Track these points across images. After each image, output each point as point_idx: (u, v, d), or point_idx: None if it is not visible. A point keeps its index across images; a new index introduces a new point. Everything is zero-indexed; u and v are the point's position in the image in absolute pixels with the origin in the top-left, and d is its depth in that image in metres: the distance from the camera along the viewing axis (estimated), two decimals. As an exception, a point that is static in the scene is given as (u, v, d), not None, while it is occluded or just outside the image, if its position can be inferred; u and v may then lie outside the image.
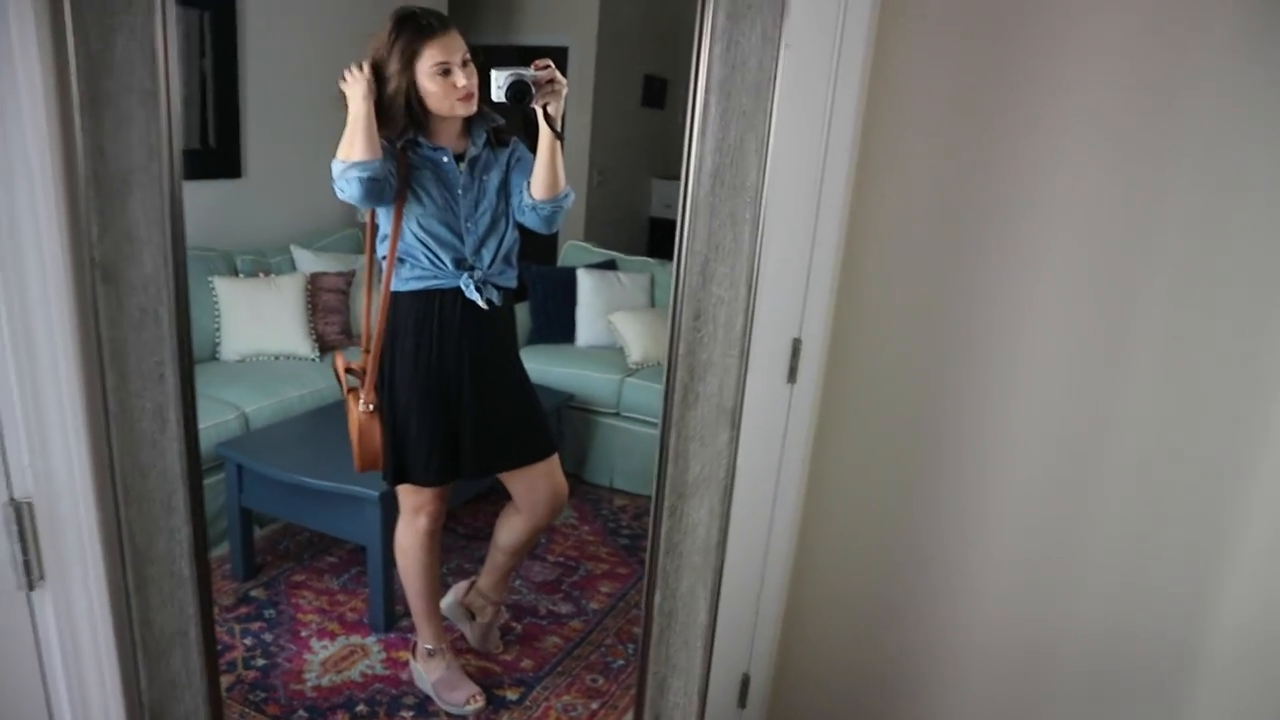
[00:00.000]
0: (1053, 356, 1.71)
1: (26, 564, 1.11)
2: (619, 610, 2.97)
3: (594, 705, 2.53)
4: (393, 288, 1.95)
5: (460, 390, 2.02)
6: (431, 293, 1.96)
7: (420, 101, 1.80)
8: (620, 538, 3.38)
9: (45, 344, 1.05)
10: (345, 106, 1.75)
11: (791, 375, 1.96)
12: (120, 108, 0.97)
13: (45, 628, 1.14)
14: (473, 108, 1.86)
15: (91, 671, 1.19)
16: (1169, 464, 1.59)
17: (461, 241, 1.96)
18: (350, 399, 2.03)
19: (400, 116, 1.78)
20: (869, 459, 2.05)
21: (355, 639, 2.74)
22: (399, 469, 2.07)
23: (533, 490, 2.18)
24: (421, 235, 1.92)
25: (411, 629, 2.53)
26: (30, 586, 1.12)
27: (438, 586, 2.39)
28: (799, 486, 2.14)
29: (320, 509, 2.80)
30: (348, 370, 2.04)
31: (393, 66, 1.75)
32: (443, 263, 1.94)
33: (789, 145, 1.66)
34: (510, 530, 2.26)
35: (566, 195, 1.93)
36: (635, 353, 3.85)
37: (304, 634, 2.75)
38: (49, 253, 1.03)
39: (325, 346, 3.53)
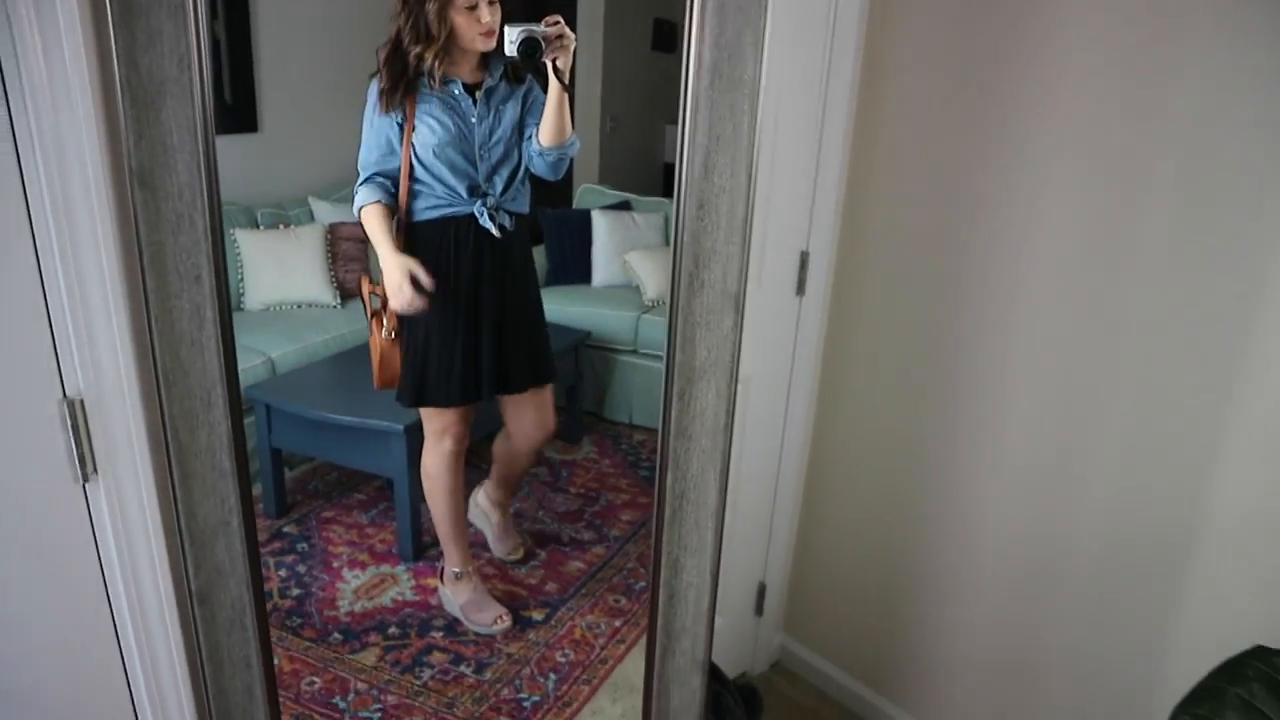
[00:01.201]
0: (1057, 265, 1.75)
1: (80, 458, 1.19)
2: (640, 537, 3.05)
3: (617, 623, 2.62)
4: (411, 219, 2.03)
5: (478, 314, 2.10)
6: (447, 220, 2.03)
7: (449, 33, 1.89)
8: (640, 470, 3.46)
9: (90, 250, 1.12)
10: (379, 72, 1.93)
11: (800, 287, 2.02)
12: (151, 21, 1.03)
13: (100, 518, 1.23)
14: (492, 43, 1.94)
15: (144, 559, 1.27)
16: (1165, 374, 1.63)
17: (475, 169, 2.03)
18: (374, 322, 2.11)
19: (427, 41, 1.87)
20: (879, 371, 2.10)
21: (385, 568, 2.84)
22: (421, 392, 2.16)
23: (521, 417, 2.31)
24: (435, 165, 1.99)
25: (438, 557, 2.62)
26: (85, 479, 1.20)
27: (463, 511, 2.48)
28: (810, 397, 2.20)
29: (347, 445, 2.89)
30: (371, 293, 2.12)
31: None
32: (457, 191, 2.01)
33: (790, 46, 1.71)
34: (503, 452, 2.42)
35: (572, 143, 2.03)
36: (650, 290, 3.91)
37: (335, 565, 2.85)
38: (91, 161, 1.09)
39: (346, 294, 3.61)
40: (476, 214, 2.03)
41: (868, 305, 2.08)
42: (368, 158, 2.05)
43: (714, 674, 1.83)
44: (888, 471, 2.14)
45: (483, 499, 2.66)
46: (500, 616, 2.45)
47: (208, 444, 1.19)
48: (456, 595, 2.47)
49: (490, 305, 2.13)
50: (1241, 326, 1.53)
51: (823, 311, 2.11)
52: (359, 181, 2.07)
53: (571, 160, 2.11)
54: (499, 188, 2.07)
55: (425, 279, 1.97)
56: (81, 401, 1.17)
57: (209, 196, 1.10)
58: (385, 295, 2.10)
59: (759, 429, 2.11)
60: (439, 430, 2.26)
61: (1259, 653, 1.31)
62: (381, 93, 1.98)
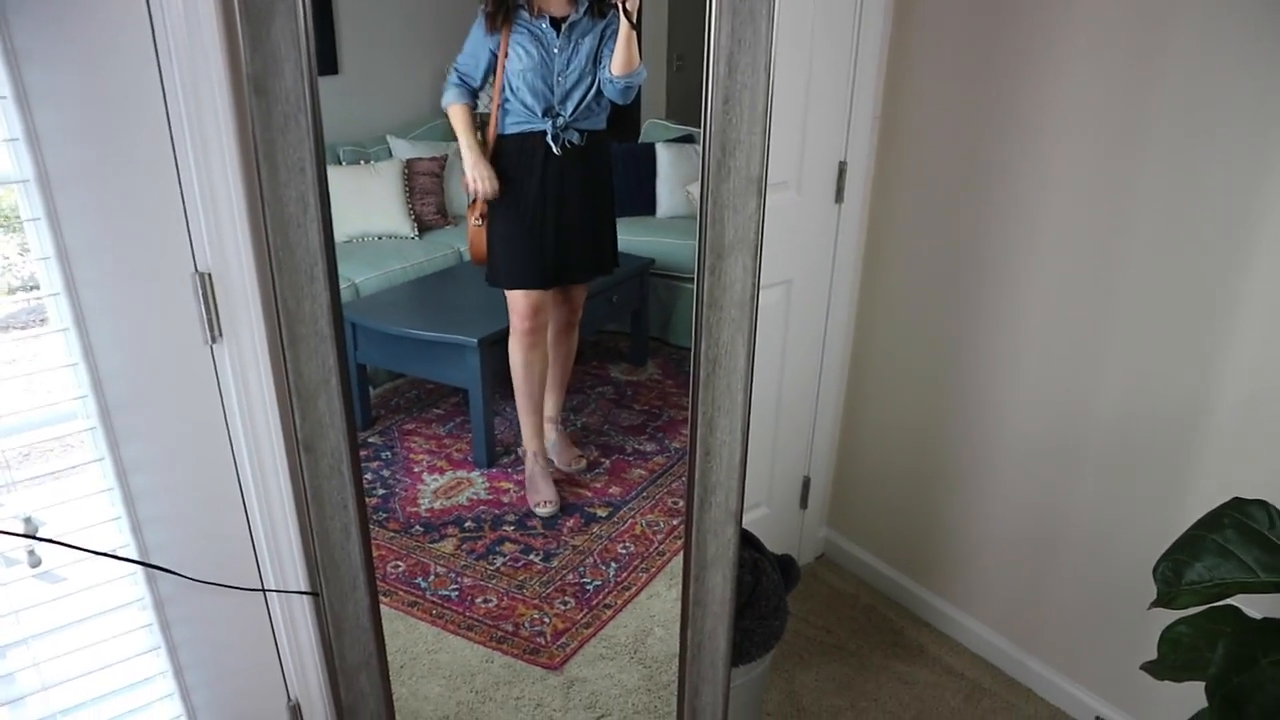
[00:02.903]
0: (1076, 172, 1.86)
1: (209, 323, 1.42)
2: (693, 441, 3.23)
3: (674, 521, 2.81)
4: (498, 131, 2.30)
5: (545, 215, 2.40)
6: (525, 135, 2.32)
7: None
8: (699, 388, 3.62)
9: (215, 146, 1.35)
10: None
11: (839, 196, 2.17)
12: (261, -53, 1.23)
13: (225, 375, 1.47)
14: None
15: (259, 412, 1.51)
16: (1173, 262, 1.74)
17: (552, 93, 2.31)
18: (470, 209, 2.42)
19: None
20: (914, 273, 2.24)
21: (461, 473, 3.07)
22: (498, 275, 2.49)
23: (567, 291, 2.58)
24: (519, 88, 2.28)
25: (511, 464, 2.86)
26: (212, 341, 1.44)
27: (536, 392, 2.76)
28: (851, 300, 2.35)
29: (426, 358, 3.13)
30: (465, 187, 2.42)
31: None
32: (534, 110, 2.30)
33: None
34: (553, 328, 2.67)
35: (638, 73, 2.29)
36: (710, 218, 4.02)
37: (416, 469, 3.09)
38: (215, 71, 1.31)
39: (423, 226, 3.85)
40: (547, 130, 2.29)
41: (903, 211, 2.22)
42: (463, 63, 2.33)
43: (753, 543, 2.02)
44: (923, 368, 2.28)
45: (544, 417, 2.90)
46: (546, 501, 2.72)
47: (311, 312, 1.41)
48: (526, 470, 2.75)
49: (555, 209, 2.41)
50: (1247, 208, 1.63)
51: (861, 218, 2.26)
52: (449, 80, 2.35)
53: (639, 92, 2.36)
54: (570, 109, 2.34)
55: (495, 184, 2.25)
56: (209, 275, 1.40)
57: (310, 99, 1.31)
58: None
59: (802, 331, 2.27)
60: (511, 309, 2.58)
61: (1234, 503, 1.46)
62: (487, 15, 2.25)
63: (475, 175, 2.32)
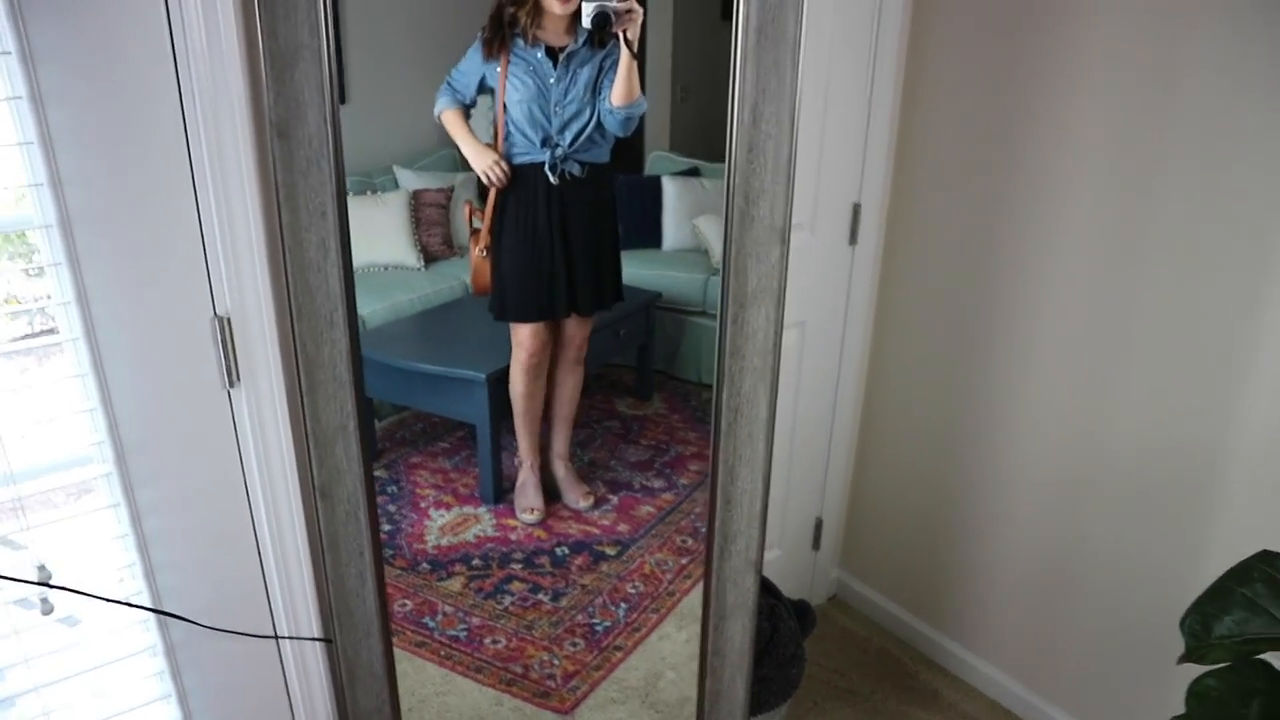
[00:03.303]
0: (1092, 208, 1.85)
1: (227, 368, 1.41)
2: (707, 485, 3.21)
3: (683, 560, 2.79)
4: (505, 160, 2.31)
5: (549, 246, 2.39)
6: (526, 166, 2.31)
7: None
8: (708, 424, 3.60)
9: (237, 190, 1.34)
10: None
11: (853, 237, 2.17)
12: (288, -5, 1.23)
13: (241, 420, 1.45)
14: (570, 7, 2.19)
15: (275, 457, 1.49)
16: (1192, 297, 1.73)
17: (549, 123, 2.29)
18: (472, 240, 2.40)
19: (519, 1, 2.14)
20: (927, 315, 2.23)
21: (468, 509, 3.05)
22: (502, 309, 2.47)
23: (569, 327, 2.58)
24: (517, 118, 2.26)
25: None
26: (230, 386, 1.42)
27: (532, 416, 2.75)
28: (864, 341, 2.35)
29: (433, 392, 3.12)
30: (472, 214, 2.40)
31: None
32: (532, 141, 2.29)
33: (839, 9, 1.85)
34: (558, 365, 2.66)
35: (638, 104, 2.28)
36: (719, 253, 4.03)
37: (423, 505, 3.07)
38: (238, 115, 1.31)
39: (429, 257, 3.85)
40: (544, 161, 2.29)
41: (916, 251, 2.21)
42: (456, 75, 2.32)
43: (769, 589, 2.00)
44: (936, 408, 2.27)
45: (552, 454, 2.89)
46: (532, 509, 2.72)
47: (330, 357, 1.40)
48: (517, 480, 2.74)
49: (557, 241, 2.40)
50: (1269, 241, 1.62)
51: (875, 259, 2.26)
52: (440, 90, 2.34)
53: (642, 122, 2.35)
54: (569, 140, 2.33)
55: (503, 169, 2.25)
56: (229, 319, 1.39)
57: (333, 143, 1.30)
58: (480, 214, 2.38)
59: (815, 372, 2.26)
60: (517, 342, 2.57)
61: (1264, 556, 1.44)
62: (484, 41, 2.26)
63: (483, 166, 2.31)
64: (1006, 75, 1.94)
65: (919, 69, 2.11)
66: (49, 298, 1.30)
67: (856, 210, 2.15)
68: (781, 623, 1.87)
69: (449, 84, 2.34)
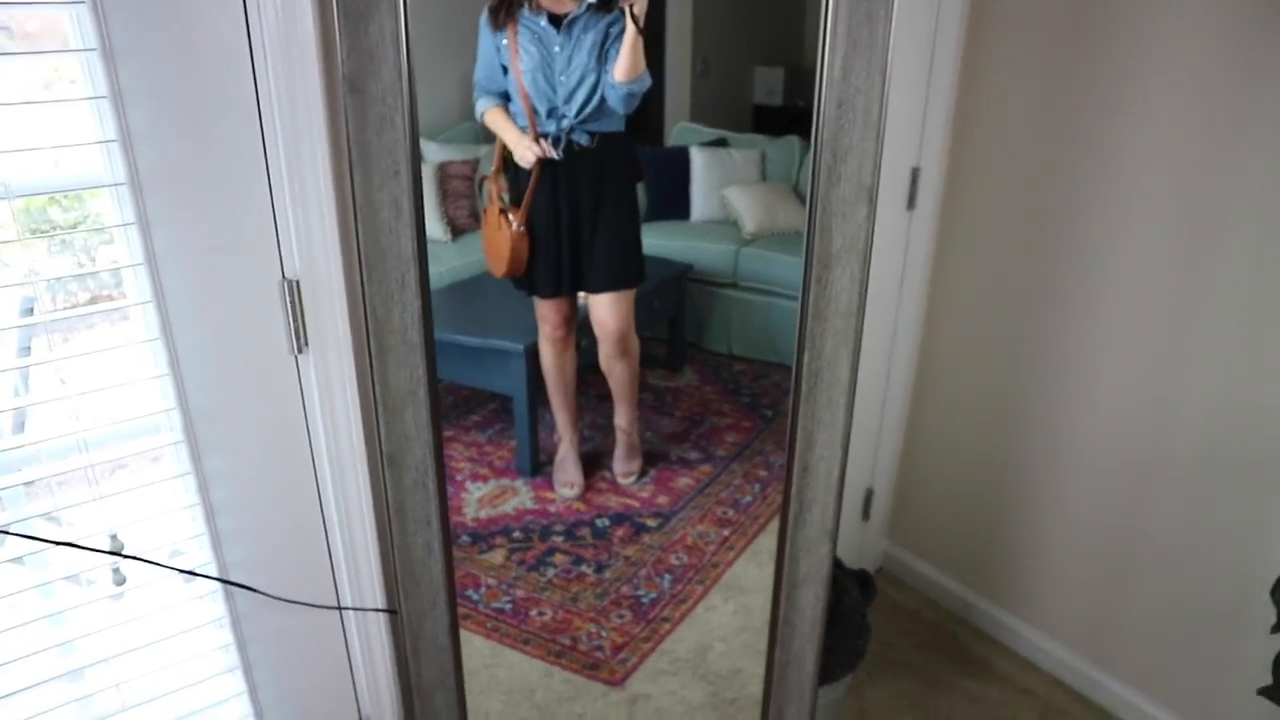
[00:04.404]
0: (1164, 171, 1.80)
1: (295, 332, 1.37)
2: (744, 457, 3.19)
3: (725, 532, 2.76)
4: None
5: (559, 221, 2.34)
6: (539, 136, 2.26)
7: None
8: (741, 396, 3.58)
9: (308, 149, 1.30)
10: None
11: (911, 202, 2.12)
12: (361, -57, 1.19)
13: (309, 385, 1.42)
14: None
15: (343, 424, 1.46)
16: (1268, 265, 1.68)
17: (555, 93, 2.25)
18: (502, 218, 2.34)
19: None
20: (985, 282, 2.18)
21: (505, 481, 3.02)
22: (521, 281, 2.45)
23: (594, 314, 2.54)
24: (528, 86, 2.22)
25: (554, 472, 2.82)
26: (298, 351, 1.39)
27: (565, 389, 2.72)
28: (920, 309, 2.30)
29: (470, 364, 3.08)
30: (500, 193, 2.35)
31: None
32: (540, 111, 2.24)
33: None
34: (601, 359, 2.63)
35: (641, 80, 2.22)
36: (749, 224, 4.01)
37: (459, 478, 3.04)
38: (309, 71, 1.26)
39: (456, 230, 3.81)
40: (550, 133, 2.24)
41: (975, 221, 2.17)
42: (479, 76, 2.28)
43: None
44: (992, 378, 2.23)
45: (614, 423, 2.86)
46: (571, 484, 2.69)
47: (400, 321, 1.36)
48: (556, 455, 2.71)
49: (566, 215, 2.35)
50: None
51: (932, 225, 2.21)
52: (475, 98, 2.30)
53: (662, 93, 2.28)
54: (574, 110, 2.28)
55: (545, 146, 2.19)
56: (297, 282, 1.35)
57: (408, 99, 1.26)
58: (512, 191, 2.33)
59: (869, 340, 2.20)
60: (540, 316, 2.54)
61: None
62: (490, 10, 2.20)
63: (520, 150, 2.25)
64: (1075, 35, 1.88)
65: (982, 30, 2.05)
66: (115, 260, 1.26)
67: (915, 174, 2.11)
68: (846, 593, 1.84)
69: (477, 83, 2.30)
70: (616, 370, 2.72)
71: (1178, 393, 1.87)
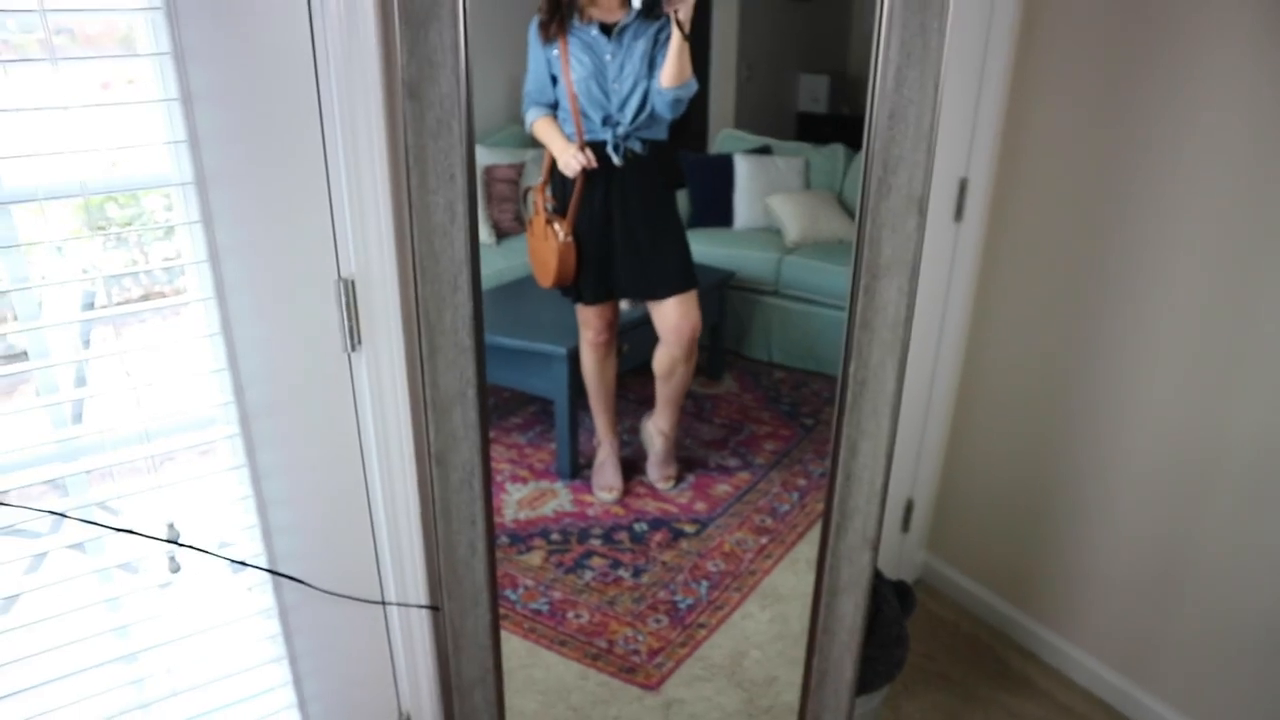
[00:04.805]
0: (1217, 180, 1.78)
1: (350, 330, 1.40)
2: (783, 465, 3.19)
3: (763, 540, 2.76)
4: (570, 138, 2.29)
5: (609, 227, 2.37)
6: (589, 145, 2.29)
7: None
8: (780, 404, 3.58)
9: (366, 151, 1.33)
10: None
11: (959, 213, 2.11)
12: (423, -47, 1.21)
13: (360, 383, 1.45)
14: None
15: (392, 422, 1.49)
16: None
17: (609, 101, 2.28)
18: (548, 227, 2.37)
19: None
20: (1031, 296, 2.17)
21: (544, 484, 3.04)
22: (570, 289, 2.47)
23: (664, 319, 2.56)
24: (580, 96, 2.25)
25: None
26: (351, 349, 1.42)
27: (606, 393, 2.76)
28: (964, 321, 2.29)
29: (514, 367, 3.11)
30: (548, 202, 2.38)
31: None
32: (593, 120, 2.27)
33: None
34: (657, 358, 2.63)
35: (688, 85, 2.25)
36: (793, 232, 4.01)
37: (499, 479, 3.07)
38: (369, 76, 1.29)
39: (501, 233, 3.85)
40: (607, 140, 2.27)
41: (1023, 233, 2.15)
42: (529, 88, 2.32)
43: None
44: (1037, 390, 2.21)
45: (650, 425, 2.88)
46: (610, 487, 2.71)
47: (452, 322, 1.38)
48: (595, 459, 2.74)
49: (620, 221, 2.38)
50: None
51: (979, 237, 2.20)
52: (524, 109, 2.34)
53: (706, 100, 2.31)
54: (628, 117, 2.31)
55: (589, 156, 2.23)
56: (353, 282, 1.38)
57: (465, 105, 1.28)
58: (558, 201, 2.35)
59: (914, 350, 2.20)
60: (582, 322, 2.57)
61: None
62: (541, 24, 2.24)
63: (565, 158, 2.29)
64: (1127, 46, 1.87)
65: (1033, 41, 2.04)
66: (179, 256, 1.30)
67: (963, 185, 2.10)
68: (885, 603, 1.84)
69: (527, 95, 2.33)
70: (679, 373, 2.75)
71: (1228, 408, 1.84)
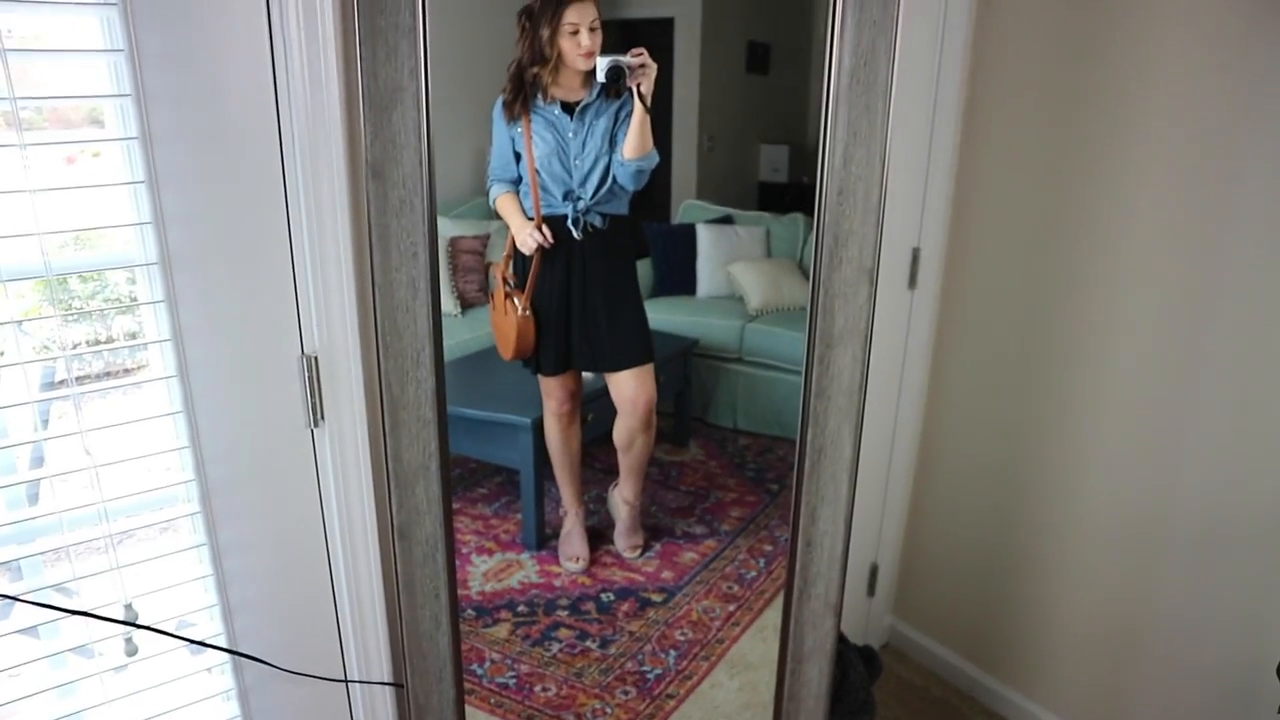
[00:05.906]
0: (1158, 251, 1.84)
1: (313, 406, 1.41)
2: (749, 531, 3.19)
3: (731, 607, 2.76)
4: (529, 215, 2.34)
5: (569, 300, 2.41)
6: (549, 220, 2.35)
7: (558, 55, 2.22)
8: (746, 470, 3.60)
9: (330, 229, 1.35)
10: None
11: (912, 281, 2.17)
12: (389, 40, 1.25)
13: (323, 458, 1.45)
14: (592, 63, 2.26)
15: (355, 496, 1.49)
16: (1265, 343, 1.71)
17: (570, 177, 2.35)
18: (507, 303, 2.41)
19: (542, 61, 2.20)
20: (986, 361, 2.22)
21: (510, 555, 3.03)
22: (531, 360, 2.50)
23: (620, 390, 2.60)
24: (541, 173, 2.32)
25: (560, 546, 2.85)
26: (314, 424, 1.42)
27: (571, 463, 2.77)
28: (922, 385, 2.34)
29: (478, 437, 3.12)
30: (505, 279, 2.42)
31: (541, 22, 2.17)
32: (554, 195, 2.33)
33: (909, 54, 1.87)
34: (616, 429, 2.66)
35: (650, 157, 2.34)
36: (755, 300, 4.06)
37: (465, 550, 3.05)
38: (335, 157, 1.32)
39: (465, 303, 3.88)
40: (567, 215, 2.33)
41: (976, 297, 2.21)
42: (494, 165, 2.38)
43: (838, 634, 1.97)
44: (994, 454, 2.25)
45: (615, 495, 2.90)
46: (577, 557, 2.72)
47: (415, 397, 1.39)
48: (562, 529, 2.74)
49: (578, 294, 2.43)
50: None
51: (933, 305, 2.26)
52: (488, 185, 2.40)
53: (669, 171, 2.39)
54: (589, 192, 2.38)
55: (545, 234, 2.28)
56: (316, 358, 1.39)
57: (428, 185, 1.31)
58: (516, 279, 2.39)
59: (872, 416, 2.23)
60: (546, 392, 2.59)
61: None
62: (506, 104, 2.30)
63: (523, 235, 2.35)
64: (1071, 113, 1.95)
65: (978, 111, 2.12)
66: (142, 333, 1.31)
67: (916, 254, 2.16)
68: (851, 669, 1.84)
69: (491, 171, 2.39)
70: (638, 444, 2.77)
71: (1178, 471, 1.89)
